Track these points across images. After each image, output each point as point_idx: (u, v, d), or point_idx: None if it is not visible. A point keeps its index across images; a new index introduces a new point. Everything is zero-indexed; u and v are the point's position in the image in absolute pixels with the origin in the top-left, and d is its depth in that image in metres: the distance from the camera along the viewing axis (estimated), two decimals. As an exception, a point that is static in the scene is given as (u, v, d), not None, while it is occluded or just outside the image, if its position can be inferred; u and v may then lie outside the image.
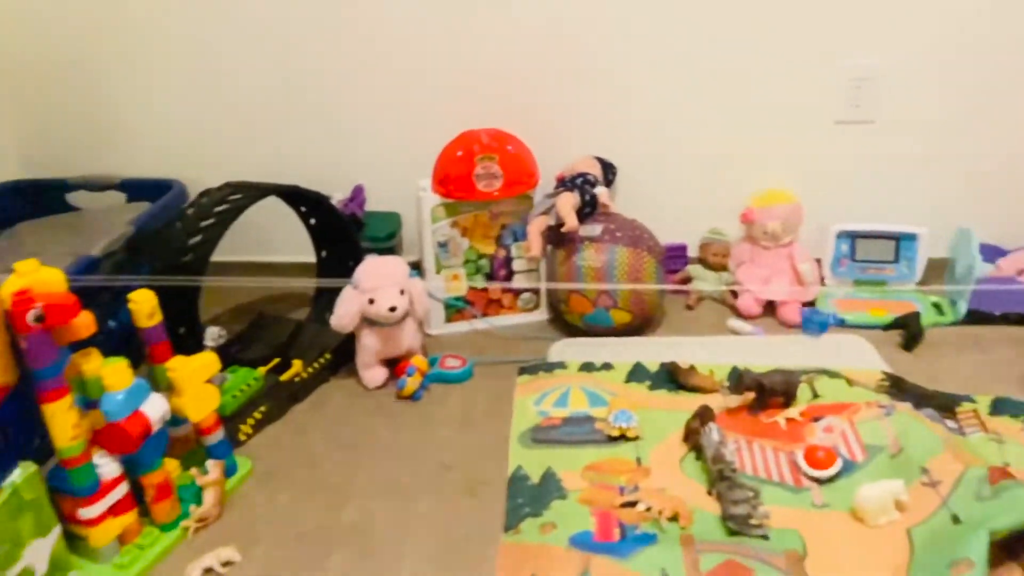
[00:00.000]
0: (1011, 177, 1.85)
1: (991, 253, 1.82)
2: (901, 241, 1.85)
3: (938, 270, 1.91)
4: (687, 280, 1.96)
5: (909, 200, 1.89)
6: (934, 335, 1.72)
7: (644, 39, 1.83)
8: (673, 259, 1.98)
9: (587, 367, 1.66)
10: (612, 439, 1.43)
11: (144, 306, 1.28)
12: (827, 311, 1.78)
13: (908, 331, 1.70)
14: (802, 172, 1.91)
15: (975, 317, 1.74)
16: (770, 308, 1.86)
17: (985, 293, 1.71)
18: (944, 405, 1.48)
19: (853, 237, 1.88)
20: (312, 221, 1.74)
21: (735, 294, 1.89)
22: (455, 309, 1.84)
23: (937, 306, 1.80)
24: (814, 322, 1.74)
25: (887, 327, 1.74)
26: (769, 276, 1.88)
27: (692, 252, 2.00)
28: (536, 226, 1.77)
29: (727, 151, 1.92)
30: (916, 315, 1.73)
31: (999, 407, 1.48)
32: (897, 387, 1.52)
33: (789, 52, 1.81)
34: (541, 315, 1.89)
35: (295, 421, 1.54)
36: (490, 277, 1.84)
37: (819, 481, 1.31)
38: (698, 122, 1.90)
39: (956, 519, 1.15)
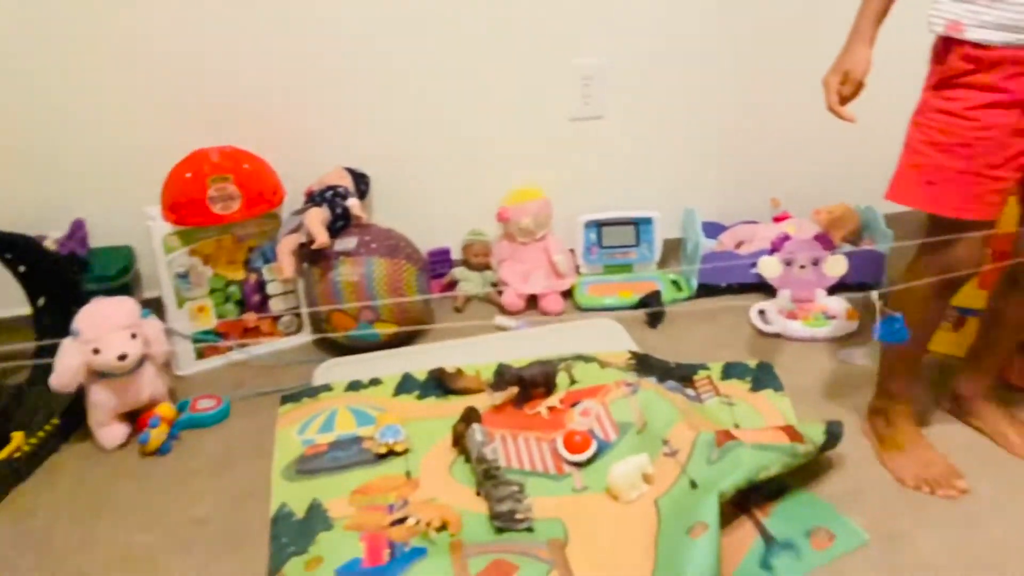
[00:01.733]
0: (724, 160, 2.06)
1: (713, 230, 2.02)
2: (639, 225, 2.00)
3: (675, 249, 2.09)
4: (453, 283, 1.98)
5: (644, 187, 2.04)
6: (674, 310, 1.88)
7: (385, 46, 1.80)
8: (437, 263, 1.99)
9: (354, 386, 1.61)
10: (381, 457, 1.41)
11: None
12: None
13: (651, 309, 1.84)
14: (547, 168, 1.99)
15: (705, 290, 1.92)
16: (533, 300, 1.93)
17: (711, 266, 1.89)
18: (684, 375, 1.63)
19: (599, 225, 2.00)
20: (21, 268, 1.52)
21: (499, 291, 1.94)
22: (206, 344, 1.71)
23: (675, 283, 1.97)
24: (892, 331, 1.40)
25: (634, 307, 1.88)
26: (529, 270, 1.95)
27: (456, 255, 2.03)
28: (286, 245, 1.69)
29: (478, 153, 1.96)
30: (657, 293, 1.88)
31: (729, 371, 1.64)
32: (643, 364, 1.63)
33: (524, 55, 1.88)
34: (305, 337, 1.81)
35: (19, 503, 1.35)
36: (243, 304, 1.74)
37: (578, 465, 1.37)
38: (447, 127, 1.92)
39: (694, 484, 1.26)
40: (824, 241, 1.83)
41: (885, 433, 1.39)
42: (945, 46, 1.16)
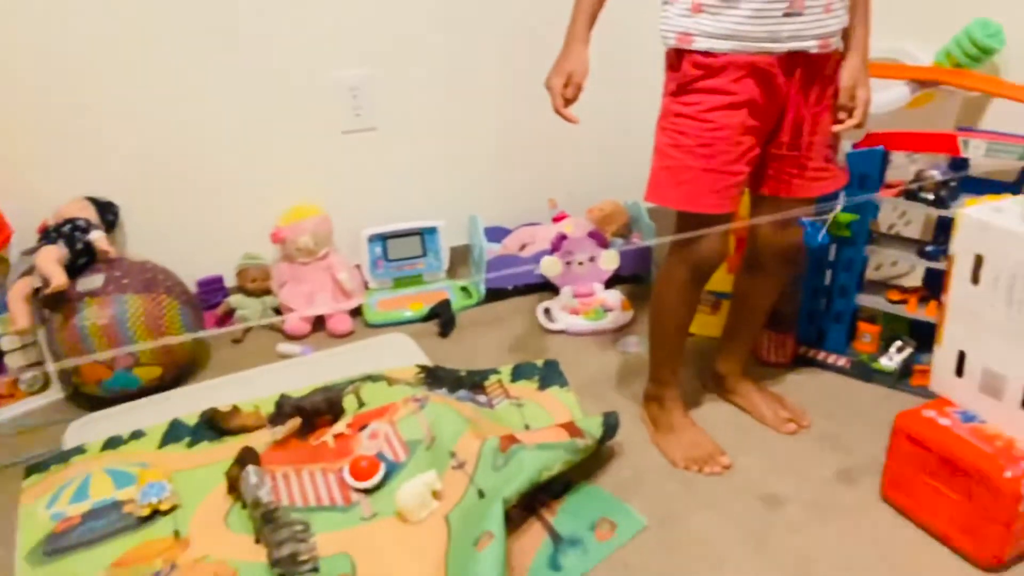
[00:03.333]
0: (503, 165, 2.08)
1: (498, 234, 2.04)
2: (425, 235, 1.98)
3: (464, 256, 2.09)
4: (230, 313, 1.85)
5: (427, 196, 2.02)
6: (465, 318, 1.88)
7: (127, 61, 1.65)
8: (209, 293, 1.85)
9: (113, 443, 1.45)
10: (145, 519, 1.27)
11: None
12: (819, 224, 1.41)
13: (442, 319, 1.83)
14: (324, 183, 1.92)
15: (494, 294, 1.94)
16: (320, 323, 1.85)
17: (497, 270, 1.91)
18: (475, 383, 1.62)
19: (384, 239, 1.95)
20: None
21: (282, 317, 1.84)
22: (-76, 415, 1.46)
23: (465, 290, 1.97)
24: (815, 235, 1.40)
25: (425, 319, 1.85)
26: (312, 291, 1.87)
27: (230, 282, 1.89)
28: (18, 292, 1.48)
29: (245, 172, 1.85)
30: (447, 302, 1.87)
31: (518, 373, 1.66)
32: (433, 376, 1.61)
33: (284, 69, 1.80)
34: (53, 395, 1.60)
35: None
36: (-33, 365, 1.51)
37: (367, 491, 1.32)
38: (207, 146, 1.79)
39: (481, 494, 1.25)
40: (598, 237, 1.92)
41: (659, 417, 1.47)
42: (678, 56, 1.24)
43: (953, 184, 1.40)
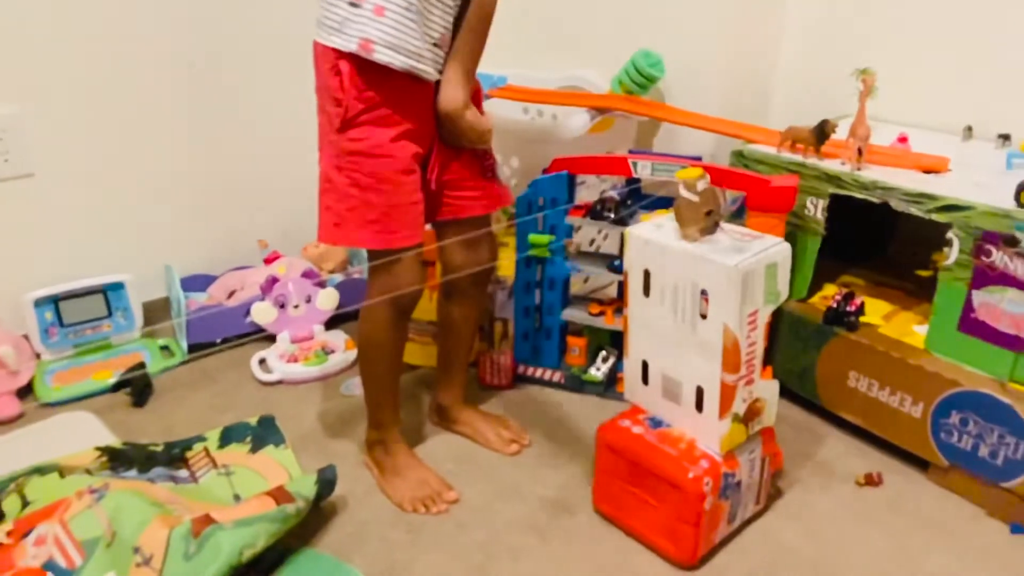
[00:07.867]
0: (204, 209, 1.89)
1: (202, 282, 1.85)
2: (109, 293, 1.73)
3: (164, 311, 1.86)
4: None
5: (108, 249, 1.77)
6: (166, 380, 1.67)
7: None
8: None
9: None
10: None
11: None
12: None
13: (135, 386, 1.60)
14: (-31, 243, 1.61)
15: (198, 349, 1.75)
16: (-25, 411, 1.53)
17: (202, 323, 1.73)
18: (174, 457, 1.43)
19: (55, 301, 1.67)
20: None
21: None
22: None
23: (167, 348, 1.76)
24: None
25: (115, 388, 1.61)
26: (-39, 374, 1.54)
27: None
28: None
29: None
30: (140, 366, 1.64)
31: (227, 436, 1.50)
32: (118, 458, 1.39)
33: None
34: None
35: None
36: None
37: (26, 616, 1.09)
38: None
39: (173, 590, 1.09)
40: (313, 276, 1.81)
41: (383, 461, 1.40)
42: (342, 88, 1.17)
43: (630, 202, 1.51)
